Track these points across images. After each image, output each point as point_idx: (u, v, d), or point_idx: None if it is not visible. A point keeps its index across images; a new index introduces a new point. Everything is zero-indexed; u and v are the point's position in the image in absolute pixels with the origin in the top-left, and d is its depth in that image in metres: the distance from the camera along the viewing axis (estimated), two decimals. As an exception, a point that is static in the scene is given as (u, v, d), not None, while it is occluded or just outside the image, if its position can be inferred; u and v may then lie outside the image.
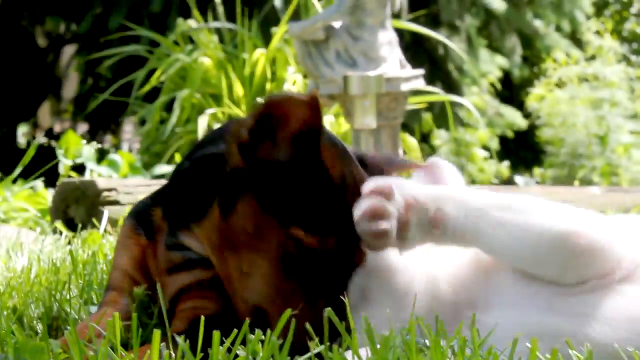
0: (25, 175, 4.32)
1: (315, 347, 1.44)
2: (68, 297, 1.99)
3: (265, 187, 1.61)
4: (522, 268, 1.57)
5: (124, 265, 1.82)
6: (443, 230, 1.55)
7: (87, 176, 4.93)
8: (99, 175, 5.05)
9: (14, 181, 4.39)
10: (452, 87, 8.34)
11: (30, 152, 3.78)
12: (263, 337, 1.47)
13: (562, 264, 1.52)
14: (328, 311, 1.53)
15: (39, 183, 4.89)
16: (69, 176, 4.41)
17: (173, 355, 1.38)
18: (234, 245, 1.64)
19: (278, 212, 1.60)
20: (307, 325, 1.47)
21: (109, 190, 3.74)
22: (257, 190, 1.61)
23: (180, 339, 1.29)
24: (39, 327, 1.81)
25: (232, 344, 1.45)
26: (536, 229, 1.53)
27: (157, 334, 1.37)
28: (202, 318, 1.46)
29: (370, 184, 1.55)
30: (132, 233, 1.81)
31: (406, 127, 7.57)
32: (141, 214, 1.83)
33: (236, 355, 1.44)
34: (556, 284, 1.54)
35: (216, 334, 1.27)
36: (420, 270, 1.65)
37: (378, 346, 1.30)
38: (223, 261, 1.66)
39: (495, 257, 1.60)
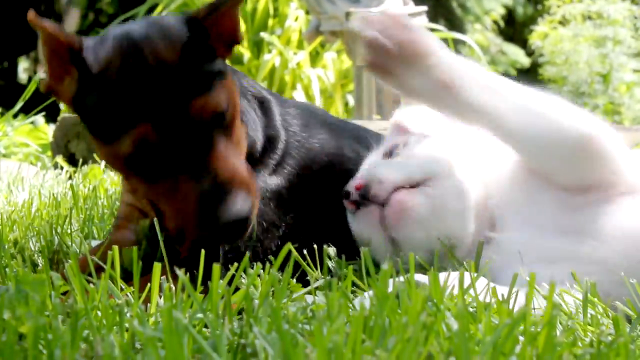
0: (26, 111, 4.31)
1: (315, 281, 1.45)
2: (69, 231, 2.00)
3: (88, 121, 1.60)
4: (528, 157, 1.59)
5: (129, 199, 1.83)
6: (456, 96, 1.56)
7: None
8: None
9: (15, 116, 4.38)
10: (455, 24, 8.29)
11: (31, 87, 3.76)
12: (262, 271, 1.47)
13: (573, 162, 1.54)
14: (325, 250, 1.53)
15: (39, 118, 4.88)
16: (69, 112, 4.40)
17: (173, 288, 1.38)
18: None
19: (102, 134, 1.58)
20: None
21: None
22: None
23: (180, 272, 1.30)
24: (40, 260, 1.81)
25: (232, 278, 1.45)
26: (556, 125, 1.54)
27: (157, 266, 1.37)
28: (202, 252, 1.47)
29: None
30: None
31: (408, 65, 7.53)
32: None
33: (237, 289, 1.44)
34: (558, 183, 1.56)
35: (216, 267, 1.27)
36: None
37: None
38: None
39: (504, 140, 1.60)
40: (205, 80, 1.55)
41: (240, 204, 1.50)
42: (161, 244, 1.56)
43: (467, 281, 1.39)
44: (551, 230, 1.56)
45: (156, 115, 1.51)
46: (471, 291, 1.38)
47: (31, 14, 1.53)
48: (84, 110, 1.59)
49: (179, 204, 1.53)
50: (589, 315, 1.37)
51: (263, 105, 1.87)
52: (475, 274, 1.42)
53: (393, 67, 1.62)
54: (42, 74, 1.67)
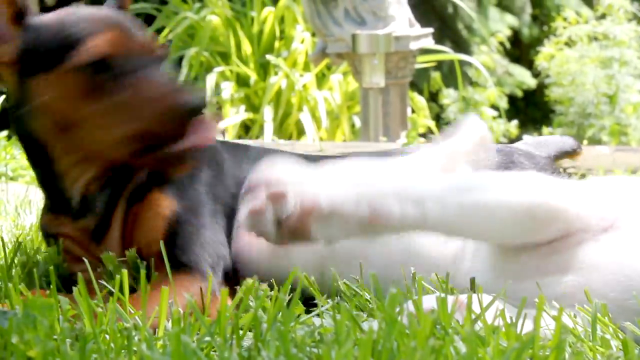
0: (34, 133, 4.32)
1: (324, 304, 1.44)
2: (76, 254, 1.99)
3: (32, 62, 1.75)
4: (491, 241, 1.61)
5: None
6: (384, 227, 1.52)
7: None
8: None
9: (23, 139, 4.39)
10: (461, 46, 8.30)
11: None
12: (271, 293, 1.47)
13: (531, 232, 1.55)
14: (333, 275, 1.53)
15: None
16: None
17: (182, 312, 1.38)
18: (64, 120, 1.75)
19: (48, 63, 1.73)
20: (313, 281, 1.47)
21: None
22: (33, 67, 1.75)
23: (188, 295, 1.30)
24: (48, 283, 1.81)
25: (241, 300, 1.45)
26: (501, 207, 1.55)
27: (165, 291, 1.37)
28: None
29: (262, 179, 1.53)
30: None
31: (415, 86, 7.54)
32: (44, 235, 1.93)
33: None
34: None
35: (224, 292, 1.27)
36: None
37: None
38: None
39: (461, 238, 1.62)
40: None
41: (196, 93, 1.71)
42: (168, 269, 1.56)
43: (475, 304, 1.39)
44: (534, 274, 1.57)
45: (112, 32, 1.74)
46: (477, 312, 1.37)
47: None
48: (27, 58, 1.75)
49: (148, 102, 1.69)
50: (598, 338, 1.36)
51: None
52: (481, 295, 1.42)
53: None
54: None
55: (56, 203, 1.82)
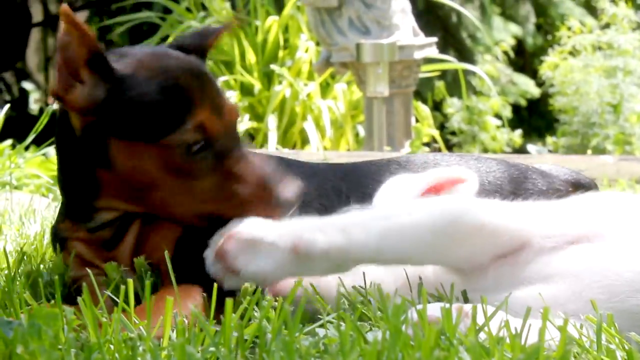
0: (38, 143, 4.33)
1: (330, 313, 1.44)
2: (81, 263, 1.99)
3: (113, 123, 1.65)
4: (418, 264, 1.62)
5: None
6: (308, 255, 1.52)
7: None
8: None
9: (27, 148, 4.39)
10: (465, 55, 8.30)
11: (43, 119, 3.78)
12: (275, 304, 1.47)
13: (451, 248, 1.57)
14: (338, 283, 1.53)
15: (51, 150, 4.89)
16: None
17: (186, 322, 1.38)
18: (138, 189, 1.68)
19: (139, 133, 1.64)
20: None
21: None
22: (110, 129, 1.66)
23: (192, 306, 1.30)
24: (53, 293, 1.81)
25: (245, 311, 1.45)
26: (419, 226, 1.56)
27: (169, 301, 1.37)
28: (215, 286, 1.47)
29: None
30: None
31: (419, 95, 7.54)
32: (54, 238, 1.87)
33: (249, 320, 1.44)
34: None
35: (229, 302, 1.27)
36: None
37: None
38: (146, 199, 1.70)
39: (383, 265, 1.63)
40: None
41: (292, 184, 1.67)
42: (172, 278, 1.56)
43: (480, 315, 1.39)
44: (521, 285, 1.58)
45: (212, 103, 1.66)
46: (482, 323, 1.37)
47: (65, 7, 1.61)
48: (114, 115, 1.64)
49: (238, 190, 1.65)
50: (603, 348, 1.36)
51: None
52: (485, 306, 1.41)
53: None
54: (54, 105, 1.69)
55: (75, 213, 1.81)
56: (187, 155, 1.63)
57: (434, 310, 1.40)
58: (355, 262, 1.56)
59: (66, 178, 1.78)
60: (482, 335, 1.35)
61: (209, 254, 1.56)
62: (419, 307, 1.36)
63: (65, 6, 1.59)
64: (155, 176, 1.65)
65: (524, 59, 9.36)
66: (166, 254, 1.60)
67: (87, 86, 1.65)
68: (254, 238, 1.53)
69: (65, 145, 1.75)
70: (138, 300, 1.61)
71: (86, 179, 1.72)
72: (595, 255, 1.56)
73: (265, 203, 1.64)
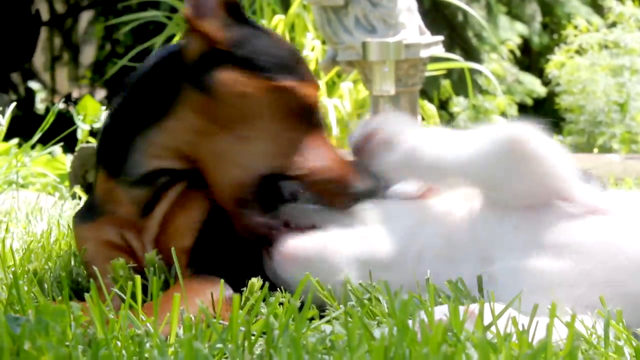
0: (44, 141, 4.33)
1: (337, 309, 1.44)
2: (88, 261, 1.99)
3: (238, 54, 1.77)
4: (481, 184, 1.63)
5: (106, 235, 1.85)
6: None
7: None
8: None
9: (33, 147, 4.40)
10: (471, 54, 8.30)
11: (49, 118, 3.78)
12: (283, 299, 1.47)
13: (514, 170, 1.58)
14: (346, 278, 1.52)
15: (57, 149, 4.90)
16: (88, 142, 4.42)
17: (193, 318, 1.38)
18: (226, 118, 1.73)
19: (261, 70, 1.75)
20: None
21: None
22: (232, 60, 1.76)
23: (199, 301, 1.30)
24: (60, 290, 1.81)
25: (252, 307, 1.45)
26: (486, 143, 1.58)
27: (176, 297, 1.37)
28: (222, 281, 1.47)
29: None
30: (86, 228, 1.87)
31: (425, 94, 7.54)
32: (83, 208, 1.92)
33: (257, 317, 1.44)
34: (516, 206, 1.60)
35: (236, 297, 1.27)
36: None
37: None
38: (210, 142, 1.72)
39: (445, 177, 1.66)
40: None
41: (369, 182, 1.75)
42: (179, 272, 1.56)
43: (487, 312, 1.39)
44: (534, 251, 1.58)
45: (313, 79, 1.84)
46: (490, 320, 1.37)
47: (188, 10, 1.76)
48: (245, 49, 1.77)
49: (331, 159, 1.76)
50: (611, 344, 1.36)
51: None
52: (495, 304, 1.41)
53: None
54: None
55: (118, 160, 1.82)
56: (295, 107, 1.74)
57: (441, 309, 1.40)
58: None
59: (129, 107, 1.83)
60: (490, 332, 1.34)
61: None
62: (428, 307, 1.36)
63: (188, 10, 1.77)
64: (256, 111, 1.73)
65: (530, 58, 9.35)
66: (173, 250, 1.60)
67: (220, 22, 1.78)
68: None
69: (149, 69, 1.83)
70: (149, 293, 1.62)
71: (160, 105, 1.78)
72: (608, 232, 1.56)
73: (340, 186, 1.71)
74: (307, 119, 1.76)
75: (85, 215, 1.90)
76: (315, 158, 1.74)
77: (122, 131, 1.81)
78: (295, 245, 1.67)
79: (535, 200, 1.61)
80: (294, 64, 1.79)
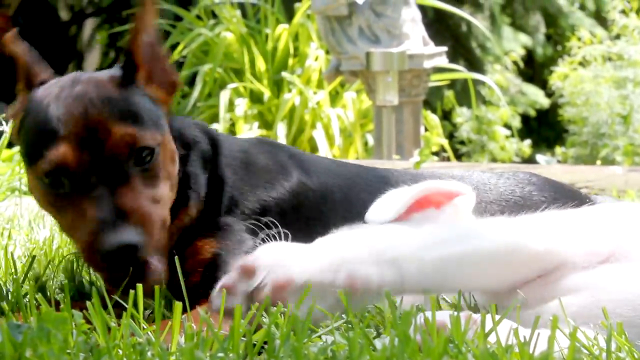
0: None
1: (336, 321, 1.44)
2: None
3: None
4: (472, 290, 1.61)
5: None
6: (364, 292, 1.49)
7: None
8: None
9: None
10: (474, 64, 8.31)
11: (53, 125, 3.78)
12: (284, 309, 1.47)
13: (511, 276, 1.56)
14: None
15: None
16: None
17: (195, 327, 1.38)
18: None
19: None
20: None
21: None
22: None
23: (202, 310, 1.30)
24: (62, 297, 1.81)
25: (253, 317, 1.45)
26: (478, 256, 1.55)
27: (178, 306, 1.37)
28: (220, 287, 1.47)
29: (240, 262, 1.53)
30: None
31: (428, 104, 7.54)
32: None
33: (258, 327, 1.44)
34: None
35: (238, 307, 1.27)
36: None
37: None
38: None
39: (440, 292, 1.62)
40: (133, 118, 1.64)
41: (129, 235, 1.55)
42: (182, 284, 1.57)
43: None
44: (550, 299, 1.57)
45: (77, 137, 1.60)
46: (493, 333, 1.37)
47: (9, 36, 1.67)
48: (22, 134, 1.70)
49: (80, 225, 1.60)
50: (613, 357, 1.36)
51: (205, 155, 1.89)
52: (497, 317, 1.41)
53: None
54: None
55: None
56: (47, 186, 1.63)
57: (442, 316, 1.40)
58: (408, 293, 1.55)
59: None
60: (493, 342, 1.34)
61: (240, 290, 1.52)
62: (428, 313, 1.36)
63: (8, 39, 1.68)
64: (40, 204, 1.70)
65: (533, 69, 9.37)
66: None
67: (20, 103, 1.73)
68: (307, 281, 1.48)
69: None
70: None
71: None
72: (622, 274, 1.56)
73: (92, 251, 1.58)
74: (77, 187, 1.63)
75: None
76: (77, 230, 1.62)
77: None
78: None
79: (539, 274, 1.61)
80: (42, 130, 1.64)
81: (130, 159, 1.62)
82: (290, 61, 6.90)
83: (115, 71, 1.72)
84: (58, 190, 1.62)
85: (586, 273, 1.57)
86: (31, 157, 1.64)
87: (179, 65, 7.03)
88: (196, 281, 1.69)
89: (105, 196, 1.58)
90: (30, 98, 1.69)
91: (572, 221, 1.69)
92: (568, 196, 2.09)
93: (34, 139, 1.64)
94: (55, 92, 1.66)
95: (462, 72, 7.13)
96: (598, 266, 1.58)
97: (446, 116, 8.17)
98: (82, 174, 1.59)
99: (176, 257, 1.62)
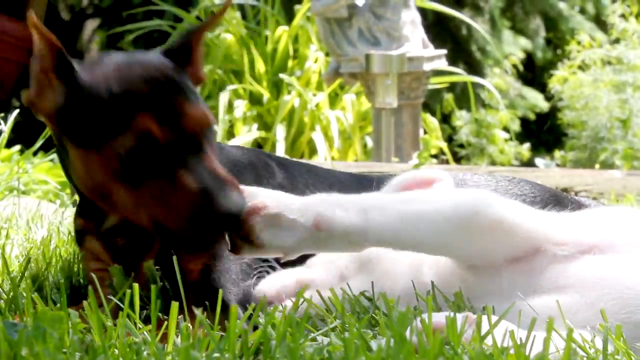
0: (46, 148, 4.34)
1: (332, 322, 1.44)
2: (87, 268, 2.00)
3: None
4: (456, 255, 1.62)
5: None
6: (329, 233, 1.56)
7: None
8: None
9: (35, 154, 4.40)
10: (474, 67, 8.31)
11: (52, 125, 3.78)
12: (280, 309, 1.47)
13: (469, 241, 1.58)
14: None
15: (59, 156, 4.90)
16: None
17: (190, 327, 1.38)
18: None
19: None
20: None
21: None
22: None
23: (198, 311, 1.30)
24: (58, 297, 1.81)
25: (249, 317, 1.45)
26: (438, 215, 1.57)
27: (174, 305, 1.37)
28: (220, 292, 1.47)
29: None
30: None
31: (427, 107, 7.55)
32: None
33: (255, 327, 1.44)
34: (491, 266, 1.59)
35: (234, 307, 1.27)
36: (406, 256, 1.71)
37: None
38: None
39: (399, 250, 1.64)
40: (200, 100, 1.70)
41: (238, 197, 1.59)
42: (180, 285, 1.56)
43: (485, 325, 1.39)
44: (535, 293, 1.57)
45: (158, 114, 1.62)
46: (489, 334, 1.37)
47: (33, 17, 1.60)
48: (69, 120, 1.66)
49: (177, 196, 1.60)
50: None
51: None
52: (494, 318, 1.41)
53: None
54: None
55: (88, 212, 1.81)
56: (128, 162, 1.62)
57: (439, 318, 1.40)
58: (372, 243, 1.59)
59: (71, 183, 1.82)
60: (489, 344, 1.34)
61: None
62: (424, 315, 1.36)
63: (32, 16, 1.60)
64: (103, 183, 1.66)
65: (533, 73, 9.37)
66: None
67: (54, 92, 1.68)
68: (278, 214, 1.55)
69: (61, 161, 1.80)
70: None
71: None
72: (608, 267, 1.56)
73: (203, 216, 1.59)
74: (162, 160, 1.65)
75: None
76: (175, 200, 1.62)
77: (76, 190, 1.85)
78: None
79: (514, 254, 1.61)
80: (117, 105, 1.64)
81: (204, 134, 1.66)
82: (290, 63, 6.90)
83: (162, 58, 1.72)
84: (137, 167, 1.62)
85: (570, 266, 1.57)
86: (101, 137, 1.62)
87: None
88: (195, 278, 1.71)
89: (199, 165, 1.62)
90: (79, 80, 1.65)
91: (552, 212, 1.70)
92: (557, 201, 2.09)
93: (104, 118, 1.62)
94: (115, 74, 1.65)
95: (461, 75, 7.13)
96: (581, 257, 1.58)
97: (445, 119, 8.17)
98: (169, 147, 1.61)
99: (174, 257, 1.63)
